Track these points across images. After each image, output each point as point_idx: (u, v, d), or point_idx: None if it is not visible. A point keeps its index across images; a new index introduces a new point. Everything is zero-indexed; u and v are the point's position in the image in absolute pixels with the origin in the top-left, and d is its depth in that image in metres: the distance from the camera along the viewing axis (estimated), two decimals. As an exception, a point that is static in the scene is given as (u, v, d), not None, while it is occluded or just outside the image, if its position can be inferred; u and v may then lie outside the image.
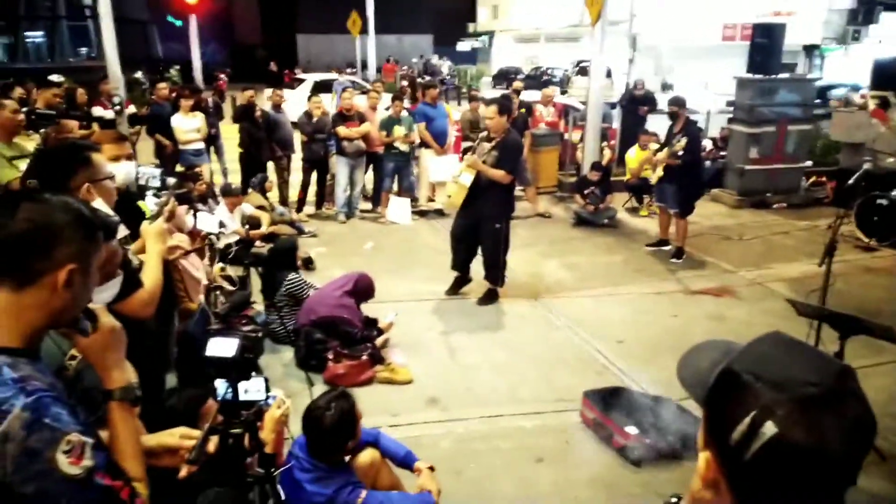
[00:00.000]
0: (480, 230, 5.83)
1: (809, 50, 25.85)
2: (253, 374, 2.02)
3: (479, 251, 5.99)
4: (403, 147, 8.58)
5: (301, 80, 19.03)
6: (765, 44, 9.31)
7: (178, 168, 8.37)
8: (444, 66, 29.95)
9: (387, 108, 8.79)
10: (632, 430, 3.78)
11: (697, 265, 7.11)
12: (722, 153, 10.32)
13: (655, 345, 5.20)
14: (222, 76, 22.14)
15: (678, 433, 3.85)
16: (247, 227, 6.36)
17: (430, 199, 9.28)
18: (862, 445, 0.78)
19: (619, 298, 6.21)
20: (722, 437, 0.81)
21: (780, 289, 6.36)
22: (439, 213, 8.99)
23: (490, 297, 6.04)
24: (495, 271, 5.96)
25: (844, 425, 0.76)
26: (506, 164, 5.61)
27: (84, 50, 30.90)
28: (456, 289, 6.20)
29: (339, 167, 8.58)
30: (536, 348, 5.19)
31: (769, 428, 0.76)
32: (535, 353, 5.11)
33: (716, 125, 11.91)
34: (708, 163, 9.83)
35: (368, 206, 9.24)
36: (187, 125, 8.58)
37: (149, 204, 2.71)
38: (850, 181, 5.49)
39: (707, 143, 10.35)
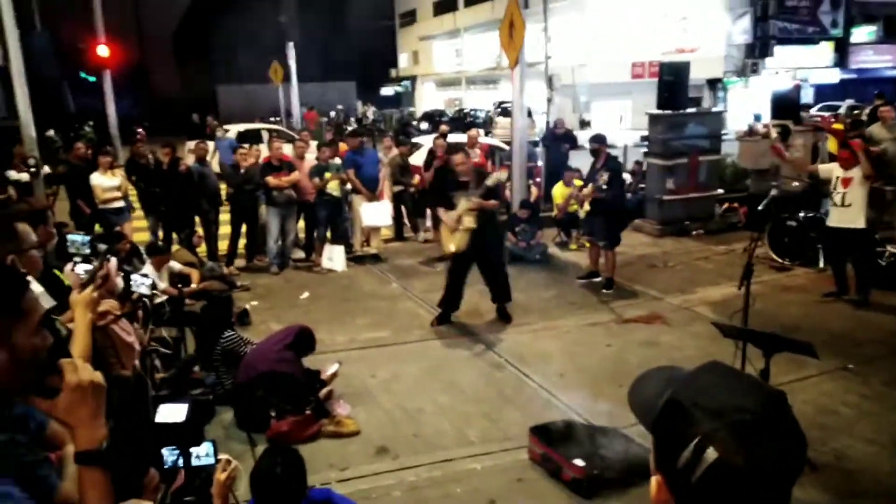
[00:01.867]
0: (486, 257, 6.41)
1: (713, 83, 27.67)
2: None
3: (486, 278, 6.53)
4: (336, 193, 8.59)
5: (225, 131, 18.77)
6: (671, 81, 9.92)
7: (97, 229, 8.07)
8: (370, 111, 30.30)
9: (317, 158, 8.79)
10: (579, 462, 3.84)
11: (628, 294, 7.37)
12: (641, 185, 10.82)
13: (594, 375, 5.34)
14: (140, 130, 21.57)
15: (624, 461, 3.95)
16: (179, 285, 6.17)
17: (365, 245, 9.27)
18: (794, 465, 0.86)
19: (556, 332, 6.35)
20: (670, 462, 0.87)
21: (706, 312, 6.66)
22: (375, 258, 8.99)
23: (508, 315, 6.58)
24: (506, 286, 6.60)
25: (777, 447, 0.83)
26: (493, 194, 6.31)
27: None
28: (444, 320, 6.58)
29: (270, 217, 8.48)
30: (480, 388, 5.22)
31: (710, 454, 0.82)
32: (479, 392, 5.14)
33: (633, 159, 12.50)
34: (629, 195, 10.28)
35: (302, 255, 9.14)
36: (107, 183, 8.31)
37: (78, 270, 2.61)
38: (760, 207, 5.89)
39: (627, 177, 10.83)
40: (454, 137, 11.45)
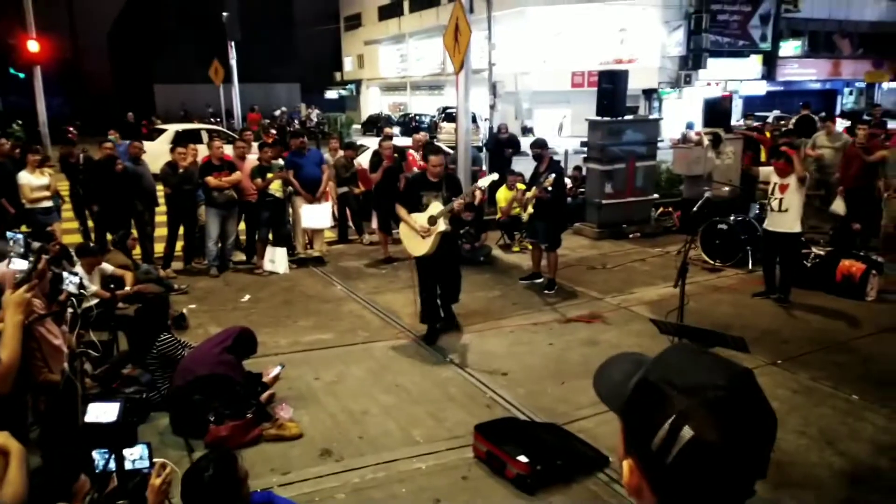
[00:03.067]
0: (450, 260, 6.23)
1: (648, 93, 28.57)
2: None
3: (444, 281, 6.27)
4: (279, 193, 8.44)
5: (161, 131, 18.21)
6: (610, 89, 10.18)
7: (24, 229, 7.68)
8: (313, 113, 29.97)
9: (259, 159, 8.62)
10: (523, 458, 3.88)
11: (569, 295, 7.51)
12: (581, 189, 11.06)
13: (537, 373, 5.42)
14: (71, 129, 20.69)
15: (567, 457, 4.02)
16: (112, 286, 5.93)
17: (308, 247, 9.15)
18: (767, 439, 0.87)
19: (500, 332, 6.41)
20: (643, 444, 0.86)
21: (643, 311, 6.86)
22: (319, 260, 8.88)
23: (457, 322, 6.43)
24: (457, 294, 6.44)
25: (751, 422, 0.84)
26: (460, 193, 6.13)
27: None
28: (435, 335, 6.20)
29: (210, 218, 8.27)
30: (424, 388, 5.22)
31: (686, 432, 0.82)
32: (424, 392, 5.14)
33: (573, 165, 12.76)
34: (569, 199, 10.48)
35: (243, 257, 8.94)
36: (36, 182, 7.94)
37: (14, 266, 2.49)
38: (695, 209, 6.11)
39: (567, 181, 11.05)
40: (400, 141, 11.45)
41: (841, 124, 12.22)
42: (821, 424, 4.56)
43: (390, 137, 10.20)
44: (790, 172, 6.77)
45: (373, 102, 45.09)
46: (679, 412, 0.83)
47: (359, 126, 33.49)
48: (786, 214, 6.79)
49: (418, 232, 5.97)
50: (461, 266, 8.14)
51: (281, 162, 8.65)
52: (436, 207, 5.94)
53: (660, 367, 0.90)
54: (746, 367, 0.90)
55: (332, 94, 48.87)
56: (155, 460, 2.33)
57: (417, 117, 31.66)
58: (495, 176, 6.98)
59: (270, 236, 8.69)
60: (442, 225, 5.89)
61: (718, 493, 0.83)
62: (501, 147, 11.99)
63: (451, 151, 11.10)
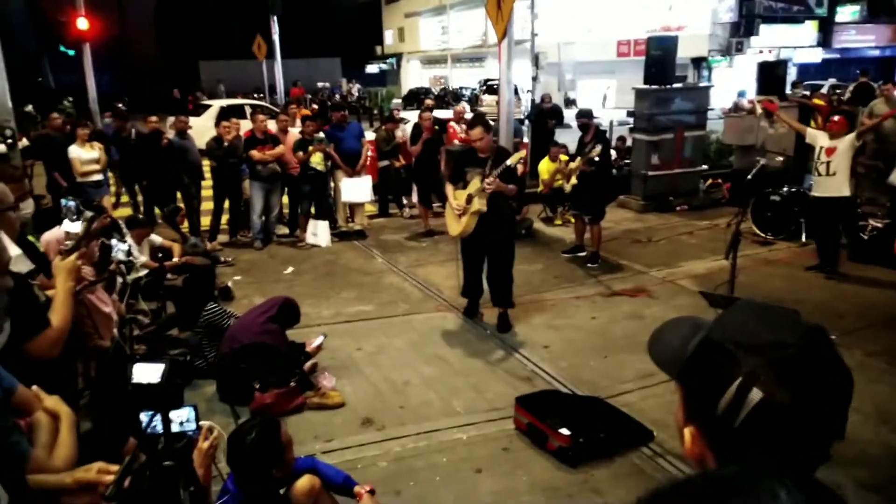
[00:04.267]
0: (494, 248, 5.66)
1: (697, 62, 27.63)
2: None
3: (489, 272, 5.81)
4: (320, 167, 8.48)
5: (206, 107, 18.49)
6: (659, 56, 9.86)
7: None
8: (354, 88, 29.99)
9: (301, 132, 8.65)
10: (565, 431, 3.85)
11: (613, 268, 7.38)
12: (626, 161, 10.81)
13: (579, 347, 5.35)
14: (120, 105, 21.19)
15: (609, 430, 3.97)
16: (160, 256, 6.07)
17: (349, 220, 9.19)
18: (843, 396, 0.80)
19: (542, 305, 6.35)
20: (707, 410, 0.80)
21: (690, 285, 6.69)
22: (360, 234, 8.92)
23: (507, 324, 5.78)
24: (510, 291, 5.82)
25: (825, 380, 0.78)
26: (513, 178, 5.57)
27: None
28: (475, 310, 6.02)
29: (254, 192, 8.37)
30: (466, 360, 5.21)
31: (755, 394, 0.76)
32: (465, 365, 5.13)
33: (616, 136, 12.46)
34: (614, 170, 10.26)
35: (286, 230, 9.05)
36: (86, 156, 8.14)
37: (69, 228, 2.54)
38: (749, 177, 5.89)
39: (612, 153, 10.81)
40: (441, 113, 11.34)
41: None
42: (876, 402, 4.38)
43: (430, 109, 10.11)
44: (843, 133, 6.50)
45: (413, 76, 44.81)
46: (746, 373, 0.77)
47: (399, 100, 33.39)
48: (833, 178, 6.51)
49: (454, 210, 5.66)
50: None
51: (322, 135, 8.68)
52: (475, 185, 5.49)
53: (724, 325, 0.84)
54: (817, 323, 0.82)
55: (372, 69, 48.74)
56: (202, 423, 2.37)
57: (458, 90, 31.34)
58: (523, 153, 6.05)
59: (313, 210, 8.76)
60: (476, 204, 5.44)
61: (791, 458, 0.77)
62: (545, 118, 11.77)
63: (491, 124, 10.95)
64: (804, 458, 0.78)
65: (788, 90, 14.65)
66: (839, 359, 0.81)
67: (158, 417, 1.87)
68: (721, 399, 0.79)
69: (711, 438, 0.82)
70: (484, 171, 5.47)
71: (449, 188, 5.76)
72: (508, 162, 5.38)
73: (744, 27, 27.53)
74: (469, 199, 5.53)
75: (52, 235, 3.71)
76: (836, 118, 6.69)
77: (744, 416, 0.77)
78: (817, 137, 6.78)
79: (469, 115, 11.49)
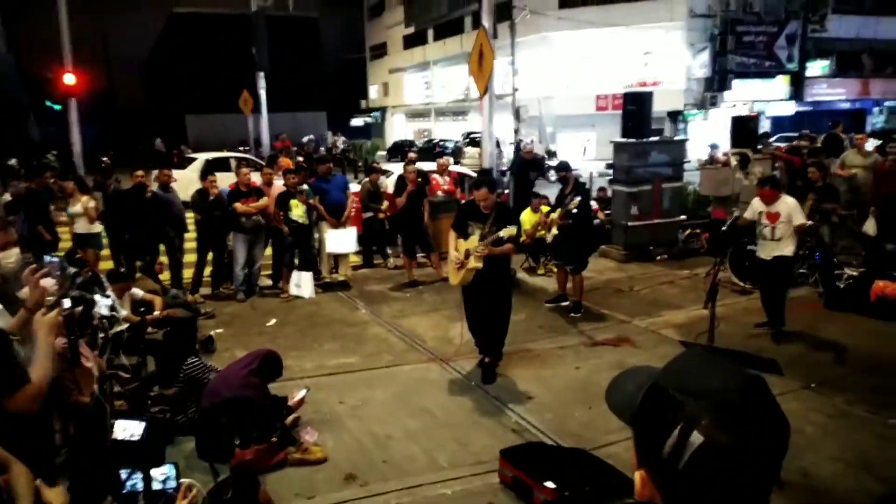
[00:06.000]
0: (491, 303, 5.75)
1: (673, 115, 28.43)
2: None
3: (485, 321, 5.86)
4: (303, 220, 8.53)
5: (191, 159, 18.61)
6: (635, 111, 10.17)
7: (60, 253, 7.88)
8: (339, 140, 30.38)
9: (285, 185, 8.75)
10: (550, 484, 3.81)
11: (596, 318, 7.43)
12: (606, 211, 11.00)
13: (564, 398, 5.35)
14: (105, 159, 21.26)
15: (594, 482, 3.93)
16: (142, 310, 6.03)
17: (333, 271, 9.21)
18: (779, 444, 0.84)
19: (526, 355, 6.35)
20: (654, 453, 0.84)
21: (672, 334, 6.74)
22: (344, 284, 8.93)
23: (493, 375, 5.79)
24: (501, 343, 5.90)
25: (762, 426, 0.82)
26: (510, 240, 5.61)
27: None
28: (492, 373, 5.83)
29: (237, 244, 8.39)
30: (450, 412, 5.18)
31: (696, 437, 0.80)
32: (449, 417, 5.10)
33: (596, 187, 12.72)
34: (596, 221, 10.43)
35: (269, 282, 9.03)
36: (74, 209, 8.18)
37: (45, 283, 2.55)
38: (724, 227, 5.98)
39: (593, 203, 11.00)
40: (424, 165, 11.52)
41: (871, 143, 12.00)
42: (857, 449, 4.41)
43: (414, 161, 10.28)
44: (775, 200, 6.39)
45: (398, 129, 45.64)
46: (689, 416, 0.81)
47: (384, 152, 33.82)
48: (779, 243, 6.39)
49: (453, 261, 5.80)
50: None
51: (305, 187, 8.77)
52: (473, 242, 5.63)
53: (671, 372, 0.89)
54: (757, 374, 0.87)
55: (357, 122, 49.57)
56: (182, 480, 2.34)
57: (441, 143, 31.88)
58: (513, 230, 5.69)
59: (296, 261, 8.78)
60: (473, 262, 5.57)
61: (731, 501, 0.80)
62: (526, 169, 11.99)
63: (474, 175, 11.13)
64: (744, 501, 0.81)
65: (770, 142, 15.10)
66: (778, 408, 0.85)
67: (139, 475, 1.86)
68: (666, 442, 0.82)
69: (659, 481, 0.85)
70: (484, 227, 5.61)
71: (451, 237, 5.91)
72: (501, 234, 5.49)
73: (717, 82, 28.49)
74: (467, 255, 5.67)
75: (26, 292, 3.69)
76: (765, 189, 6.47)
77: (687, 459, 0.80)
78: (755, 207, 6.60)
79: (453, 168, 11.72)
